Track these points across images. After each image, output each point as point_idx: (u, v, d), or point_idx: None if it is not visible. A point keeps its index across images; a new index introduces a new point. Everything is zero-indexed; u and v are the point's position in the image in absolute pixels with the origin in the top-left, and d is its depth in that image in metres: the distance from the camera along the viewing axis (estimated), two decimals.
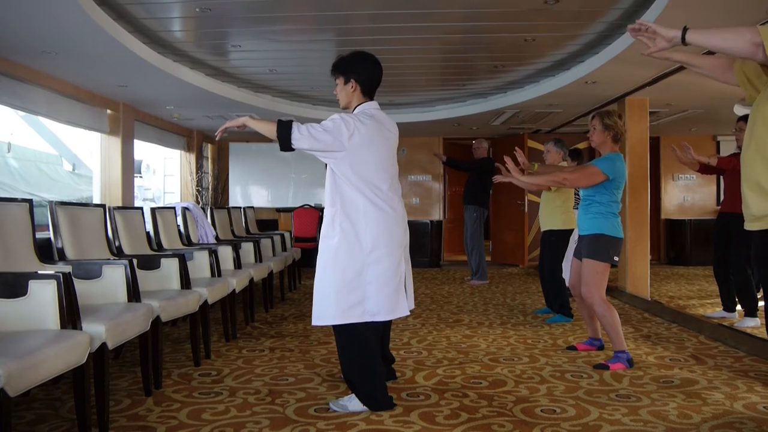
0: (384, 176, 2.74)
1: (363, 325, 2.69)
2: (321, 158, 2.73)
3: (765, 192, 1.99)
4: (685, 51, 2.11)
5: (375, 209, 2.69)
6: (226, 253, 4.62)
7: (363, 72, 2.82)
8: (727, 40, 1.92)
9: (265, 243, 5.79)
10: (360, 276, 2.67)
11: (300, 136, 2.61)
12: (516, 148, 4.00)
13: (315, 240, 2.89)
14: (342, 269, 2.67)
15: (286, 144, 2.63)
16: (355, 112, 2.81)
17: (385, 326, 3.09)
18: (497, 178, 3.95)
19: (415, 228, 7.55)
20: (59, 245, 3.23)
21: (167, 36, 4.55)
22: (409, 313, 2.83)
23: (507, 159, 3.59)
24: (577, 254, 3.68)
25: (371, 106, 2.84)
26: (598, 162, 3.50)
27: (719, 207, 9.07)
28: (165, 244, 4.49)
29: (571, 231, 5.04)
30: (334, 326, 2.74)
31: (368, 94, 2.86)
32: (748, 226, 2.10)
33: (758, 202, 2.03)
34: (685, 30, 1.96)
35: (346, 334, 2.71)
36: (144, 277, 3.39)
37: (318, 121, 2.79)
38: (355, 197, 2.68)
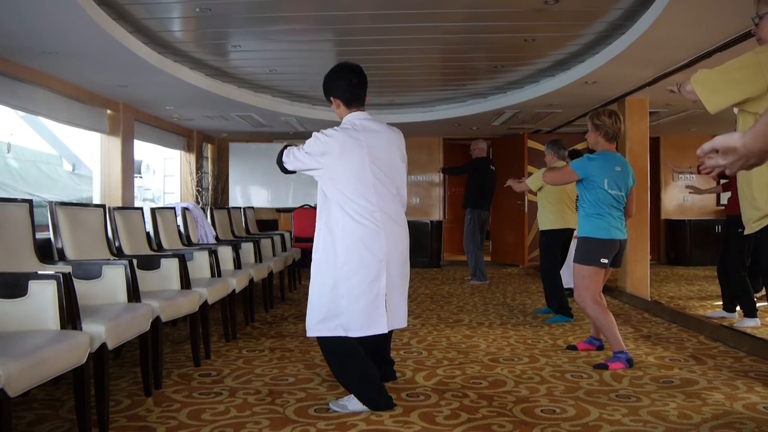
0: (360, 188, 2.68)
1: (342, 337, 2.69)
2: (314, 176, 2.78)
3: (747, 198, 2.21)
4: None
5: (352, 223, 2.66)
6: (226, 253, 4.62)
7: (335, 85, 2.82)
8: (682, 90, 2.30)
9: (265, 243, 5.80)
10: (334, 290, 2.67)
11: (287, 160, 2.80)
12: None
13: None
14: (321, 283, 2.72)
15: (282, 167, 2.85)
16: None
17: (386, 336, 3.00)
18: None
19: (415, 228, 7.53)
20: (59, 245, 3.23)
21: (167, 36, 4.55)
22: (386, 330, 2.71)
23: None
24: None
25: (355, 117, 2.80)
26: (572, 162, 3.63)
27: (720, 207, 9.12)
28: (165, 245, 4.49)
29: (562, 230, 5.04)
30: (317, 337, 2.77)
31: (352, 104, 2.82)
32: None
33: (743, 209, 2.24)
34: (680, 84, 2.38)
35: (326, 345, 2.75)
36: (144, 277, 3.38)
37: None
38: (335, 211, 2.70)
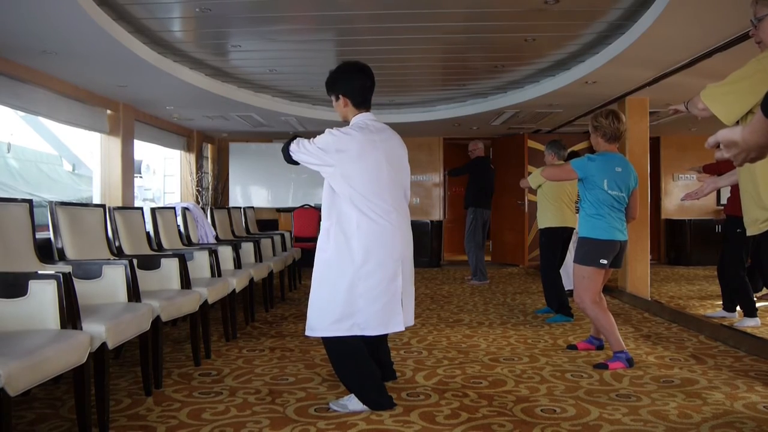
0: (377, 189, 2.69)
1: (351, 336, 2.68)
2: (321, 172, 2.75)
3: (752, 198, 2.19)
4: None
5: (368, 222, 2.66)
6: (226, 253, 4.62)
7: (346, 84, 2.81)
8: (693, 108, 2.32)
9: (265, 243, 5.80)
10: (351, 290, 2.65)
11: (296, 149, 2.75)
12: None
13: (315, 240, 2.92)
14: (333, 283, 2.68)
15: (287, 155, 2.80)
16: (350, 125, 2.81)
17: (382, 337, 2.98)
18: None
19: (415, 228, 7.49)
20: (59, 245, 3.23)
21: (167, 36, 4.55)
22: (403, 329, 2.73)
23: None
24: None
25: (365, 117, 2.81)
26: (573, 160, 3.64)
27: (720, 207, 9.13)
28: (165, 244, 4.49)
29: (561, 229, 5.03)
30: (323, 337, 2.75)
31: (361, 105, 2.83)
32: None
33: (748, 209, 2.23)
34: (687, 102, 2.41)
35: (334, 344, 2.72)
36: (144, 277, 3.38)
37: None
38: (349, 210, 2.68)
